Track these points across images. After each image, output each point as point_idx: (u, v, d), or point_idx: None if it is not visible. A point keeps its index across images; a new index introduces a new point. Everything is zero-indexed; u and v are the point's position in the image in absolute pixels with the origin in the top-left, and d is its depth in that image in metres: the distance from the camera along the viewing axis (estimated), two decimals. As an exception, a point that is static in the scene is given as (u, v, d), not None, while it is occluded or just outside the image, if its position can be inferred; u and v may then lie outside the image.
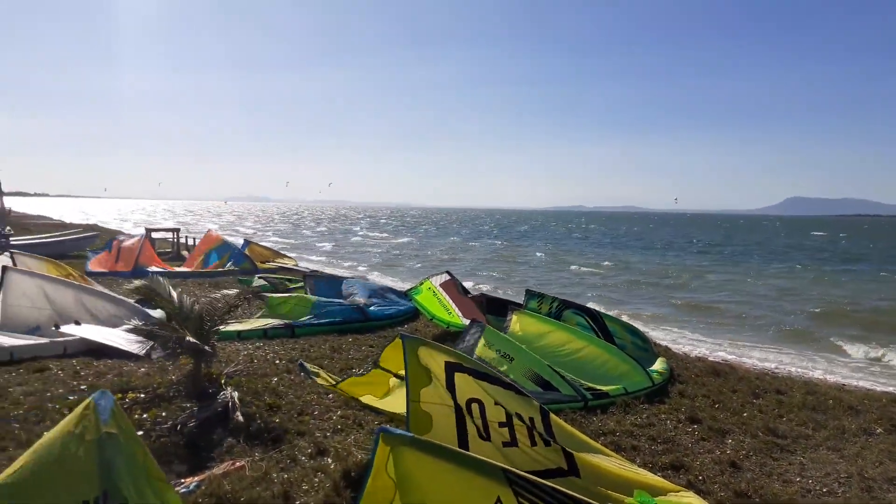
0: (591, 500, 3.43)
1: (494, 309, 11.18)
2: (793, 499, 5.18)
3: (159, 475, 3.30)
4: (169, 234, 27.57)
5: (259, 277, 15.52)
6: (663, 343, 12.19)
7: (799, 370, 11.27)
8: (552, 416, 4.88)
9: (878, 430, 7.08)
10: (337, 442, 5.78)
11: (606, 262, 36.51)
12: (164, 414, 6.05)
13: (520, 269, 33.11)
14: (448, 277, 12.52)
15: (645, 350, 9.93)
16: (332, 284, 14.23)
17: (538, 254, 43.65)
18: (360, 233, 68.24)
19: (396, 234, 66.95)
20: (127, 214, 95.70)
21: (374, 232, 70.56)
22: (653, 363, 9.18)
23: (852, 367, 12.22)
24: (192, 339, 6.51)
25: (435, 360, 4.84)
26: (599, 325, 10.06)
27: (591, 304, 13.38)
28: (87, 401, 3.26)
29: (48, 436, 3.20)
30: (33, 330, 9.20)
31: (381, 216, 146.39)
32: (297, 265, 22.31)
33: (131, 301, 10.47)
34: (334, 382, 6.59)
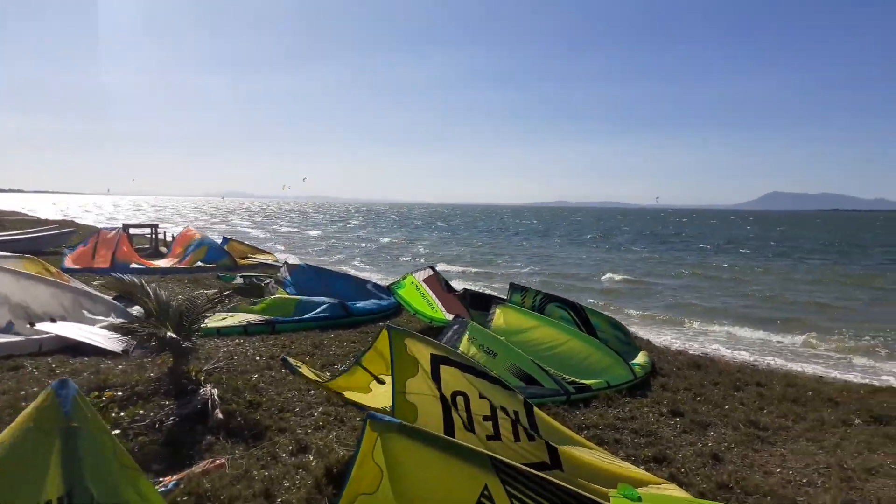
0: (575, 489, 3.42)
1: (477, 304, 11.16)
2: (773, 490, 5.21)
3: (131, 464, 3.17)
4: (146, 230, 27.25)
5: (241, 276, 15.37)
6: (645, 337, 12.25)
7: (778, 362, 11.38)
8: (536, 410, 4.86)
9: (856, 421, 7.14)
10: (319, 438, 5.73)
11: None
12: (141, 412, 5.94)
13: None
14: (431, 273, 12.47)
15: (627, 343, 9.96)
16: (311, 275, 14.14)
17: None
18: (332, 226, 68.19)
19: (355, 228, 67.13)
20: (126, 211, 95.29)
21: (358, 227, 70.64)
22: (634, 356, 9.21)
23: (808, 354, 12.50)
24: (173, 336, 6.41)
25: (420, 353, 4.81)
26: (582, 319, 10.07)
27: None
28: (46, 391, 3.09)
29: (5, 433, 3.01)
30: (6, 327, 9.03)
31: (373, 212, 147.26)
32: (277, 261, 22.16)
33: (109, 297, 10.33)
34: (317, 379, 6.52)
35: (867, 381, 9.89)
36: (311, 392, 7.00)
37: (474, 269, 28.42)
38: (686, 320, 16.33)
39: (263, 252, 23.15)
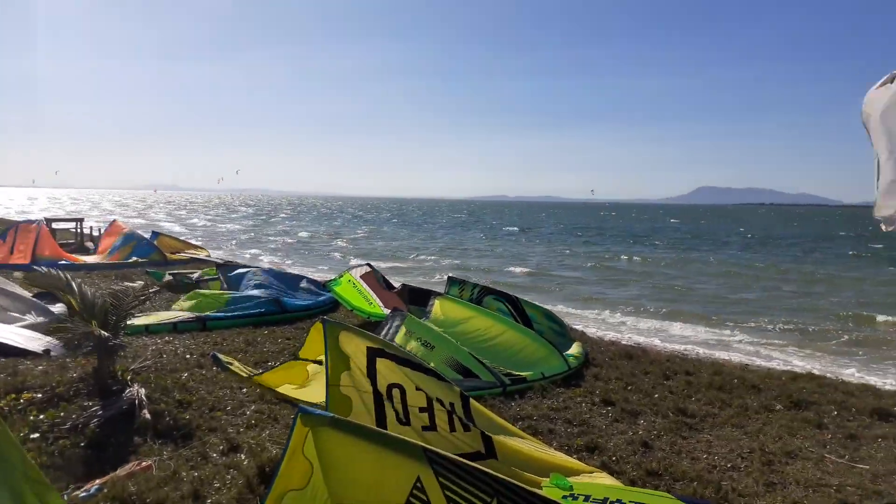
0: (508, 478, 3.44)
1: (416, 299, 11.16)
2: (700, 475, 5.38)
3: (39, 477, 3.03)
4: (71, 224, 26.10)
5: (170, 274, 14.86)
6: (578, 327, 12.47)
7: (706, 352, 11.77)
8: (472, 401, 4.89)
9: (777, 407, 7.45)
10: (251, 437, 5.61)
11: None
12: (63, 414, 5.68)
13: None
14: (368, 269, 12.38)
15: (562, 335, 10.14)
16: (241, 272, 13.75)
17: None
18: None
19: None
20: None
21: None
22: (569, 347, 9.37)
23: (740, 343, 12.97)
24: (102, 333, 6.15)
25: (356, 346, 4.76)
26: (518, 311, 10.21)
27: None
28: None
29: None
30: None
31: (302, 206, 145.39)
32: (209, 255, 21.59)
33: (28, 295, 9.86)
34: (248, 374, 6.39)
35: (788, 368, 10.35)
36: (244, 390, 6.83)
37: (385, 264, 28.23)
38: (580, 311, 16.67)
39: (195, 247, 22.50)
